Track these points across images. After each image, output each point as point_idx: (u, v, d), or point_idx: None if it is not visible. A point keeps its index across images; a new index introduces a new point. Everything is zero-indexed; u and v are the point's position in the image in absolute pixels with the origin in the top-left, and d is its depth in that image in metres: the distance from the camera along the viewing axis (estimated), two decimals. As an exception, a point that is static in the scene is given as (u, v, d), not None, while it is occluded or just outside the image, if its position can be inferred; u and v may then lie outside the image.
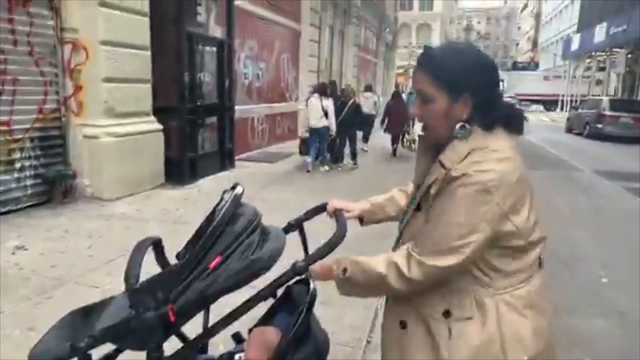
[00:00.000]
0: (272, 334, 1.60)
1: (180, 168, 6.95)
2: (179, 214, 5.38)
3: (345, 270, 1.32)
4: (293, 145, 11.64)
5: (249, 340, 1.64)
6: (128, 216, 5.22)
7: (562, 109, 33.04)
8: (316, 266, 1.39)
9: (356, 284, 1.32)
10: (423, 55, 1.31)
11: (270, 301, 1.64)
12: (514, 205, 1.18)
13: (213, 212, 1.56)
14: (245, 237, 1.35)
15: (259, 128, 10.84)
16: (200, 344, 1.45)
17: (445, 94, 1.24)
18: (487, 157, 1.19)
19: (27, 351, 2.67)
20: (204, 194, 6.44)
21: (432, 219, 1.23)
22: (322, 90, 8.83)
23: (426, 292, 1.26)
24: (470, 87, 1.23)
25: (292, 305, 1.66)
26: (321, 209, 1.67)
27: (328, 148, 9.04)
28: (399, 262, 1.23)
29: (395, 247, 1.40)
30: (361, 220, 1.70)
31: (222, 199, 1.49)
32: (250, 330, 1.75)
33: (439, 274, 1.21)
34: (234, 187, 1.51)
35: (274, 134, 11.69)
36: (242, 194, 1.44)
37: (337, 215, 1.57)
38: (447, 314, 1.24)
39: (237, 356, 1.67)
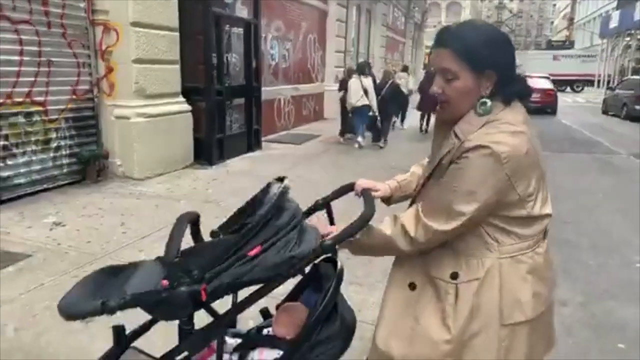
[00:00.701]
0: (299, 311, 1.63)
1: (208, 148, 7.04)
2: (208, 193, 5.48)
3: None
4: (318, 127, 11.65)
5: (276, 316, 1.68)
6: (158, 195, 5.35)
7: (571, 90, 31.96)
8: (325, 227, 1.46)
9: (364, 246, 1.40)
10: (443, 33, 1.31)
11: (297, 278, 1.67)
12: (522, 177, 1.21)
13: (254, 199, 1.60)
14: (286, 232, 1.38)
15: (285, 109, 10.85)
16: (229, 319, 1.48)
17: (469, 71, 1.24)
18: (500, 129, 1.21)
19: (63, 320, 2.79)
20: (232, 174, 6.53)
21: (443, 184, 1.26)
22: (362, 69, 9.00)
23: (436, 254, 1.31)
24: (493, 63, 1.24)
25: (319, 283, 1.69)
26: (348, 188, 1.68)
27: (368, 126, 9.11)
28: (405, 223, 1.29)
29: (410, 204, 1.45)
30: (387, 199, 1.69)
31: (268, 188, 1.52)
32: (278, 307, 1.79)
33: (442, 237, 1.26)
34: (281, 180, 1.54)
35: (299, 115, 11.68)
36: (289, 188, 1.46)
37: (365, 194, 1.58)
38: (454, 275, 1.29)
39: (265, 331, 1.71)
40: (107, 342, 2.55)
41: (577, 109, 20.16)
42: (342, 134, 9.68)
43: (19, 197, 4.99)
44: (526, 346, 1.31)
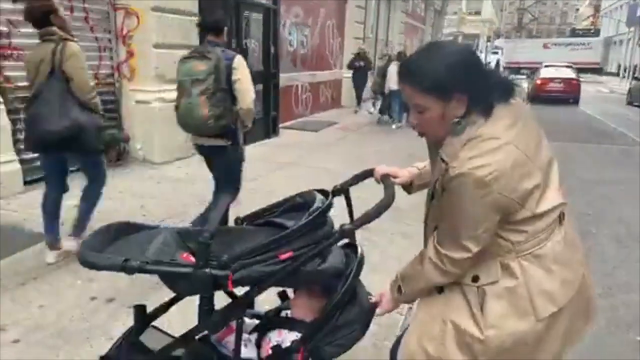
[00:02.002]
0: (318, 295, 1.65)
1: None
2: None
3: (400, 289, 1.45)
4: (336, 114, 11.61)
5: (295, 299, 1.70)
6: (177, 179, 5.41)
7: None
8: (381, 304, 1.52)
9: (414, 294, 1.45)
10: (403, 69, 1.31)
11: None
12: (515, 188, 1.20)
13: (288, 200, 1.64)
14: (319, 246, 1.41)
15: (303, 96, 10.83)
16: (248, 300, 1.50)
17: (437, 101, 1.25)
18: (481, 148, 1.20)
19: (86, 297, 2.86)
20: (249, 160, 6.46)
21: (443, 215, 1.30)
22: (399, 57, 10.25)
23: None
24: (459, 86, 1.24)
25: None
26: (368, 174, 1.67)
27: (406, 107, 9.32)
28: (432, 257, 1.32)
29: (425, 228, 1.46)
30: (408, 187, 1.68)
31: (311, 198, 1.55)
32: (295, 290, 1.81)
33: (468, 262, 1.27)
34: (324, 193, 1.57)
35: (317, 102, 11.65)
36: (332, 205, 1.50)
37: (385, 180, 1.58)
38: (475, 279, 1.30)
39: (283, 313, 1.74)
40: (127, 322, 2.61)
41: (600, 99, 19.69)
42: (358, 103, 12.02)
43: (42, 178, 5.09)
44: (563, 331, 1.32)
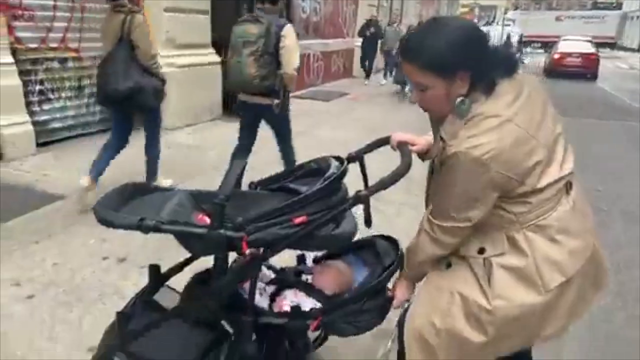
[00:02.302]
0: (346, 272, 1.70)
1: (237, 102, 7.02)
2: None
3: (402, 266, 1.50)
4: (347, 84, 11.47)
5: (322, 269, 1.72)
6: (188, 146, 5.42)
7: None
8: (396, 295, 1.54)
9: (416, 269, 1.48)
10: (405, 46, 1.28)
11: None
12: (516, 165, 1.18)
13: (302, 166, 1.65)
14: (333, 212, 1.41)
15: (314, 65, 10.68)
16: (261, 262, 1.52)
17: (439, 79, 1.22)
18: (481, 127, 1.18)
19: (98, 257, 2.91)
20: (260, 129, 6.53)
21: (439, 189, 1.31)
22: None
23: None
24: (461, 64, 1.21)
25: (372, 254, 1.74)
26: (384, 141, 1.65)
27: None
28: (425, 227, 1.35)
29: (426, 200, 1.48)
30: (424, 155, 1.66)
31: (326, 164, 1.55)
32: (317, 259, 1.83)
33: (462, 232, 1.28)
34: (339, 160, 1.56)
35: (328, 71, 11.49)
36: (347, 171, 1.49)
37: (401, 147, 1.55)
38: (482, 251, 1.30)
39: (304, 276, 1.76)
40: (138, 282, 2.67)
41: (619, 75, 19.19)
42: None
43: (55, 141, 5.14)
44: (571, 301, 1.32)
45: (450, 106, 1.25)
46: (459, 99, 1.23)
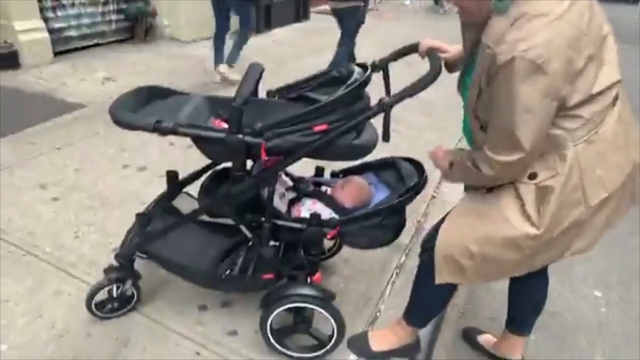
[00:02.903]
0: (366, 189, 1.70)
1: (255, 15, 6.75)
2: (253, 61, 5.37)
3: (451, 164, 1.36)
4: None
5: (344, 184, 1.72)
6: (204, 58, 5.29)
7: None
8: (437, 152, 1.43)
9: (458, 178, 1.38)
10: None
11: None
12: (569, 67, 1.10)
13: (324, 74, 1.59)
14: (354, 120, 1.36)
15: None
16: (279, 169, 1.52)
17: None
18: (530, 28, 1.07)
19: (119, 165, 2.97)
20: (278, 44, 6.34)
21: (493, 113, 1.17)
22: None
23: None
24: None
25: (395, 176, 1.72)
26: (412, 48, 1.55)
27: None
28: (484, 168, 1.23)
29: (465, 116, 1.35)
30: (451, 65, 1.57)
31: (348, 71, 1.48)
32: (334, 173, 1.83)
33: (521, 164, 1.19)
34: (363, 67, 1.49)
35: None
36: (370, 79, 1.42)
37: (430, 54, 1.46)
38: (533, 176, 1.24)
39: (323, 187, 1.77)
40: (158, 189, 2.73)
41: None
42: None
43: (72, 50, 5.07)
44: (607, 215, 1.31)
45: (487, 6, 1.15)
46: None
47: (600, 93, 1.17)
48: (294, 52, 5.83)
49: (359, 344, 1.73)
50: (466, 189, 1.44)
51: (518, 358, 1.79)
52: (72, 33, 5.07)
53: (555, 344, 2.02)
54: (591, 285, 2.37)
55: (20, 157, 2.92)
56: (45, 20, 4.69)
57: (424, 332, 1.78)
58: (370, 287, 2.09)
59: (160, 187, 2.71)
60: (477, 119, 1.27)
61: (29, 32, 4.46)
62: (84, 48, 5.18)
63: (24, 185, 2.63)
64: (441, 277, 1.41)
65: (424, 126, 3.82)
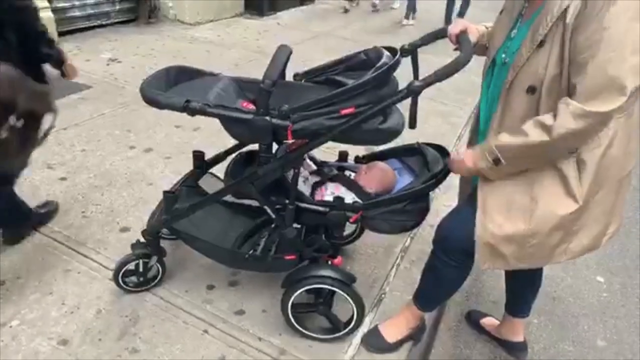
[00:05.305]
0: (390, 174, 1.70)
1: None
2: (258, 44, 5.35)
3: (496, 161, 1.24)
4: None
5: (368, 168, 1.72)
6: (209, 41, 5.27)
7: None
8: (456, 161, 1.38)
9: (514, 167, 1.26)
10: None
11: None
12: None
13: (352, 57, 1.56)
14: (382, 104, 1.34)
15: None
16: (306, 151, 1.51)
17: None
18: None
19: (125, 146, 2.98)
20: (283, 27, 6.29)
21: (586, 57, 1.08)
22: None
23: None
24: None
25: (420, 162, 1.70)
26: (441, 33, 1.53)
27: None
28: (572, 127, 1.11)
29: (503, 88, 1.28)
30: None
31: (378, 54, 1.45)
32: (357, 159, 1.84)
33: (609, 119, 1.12)
34: (392, 51, 1.46)
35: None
36: (400, 63, 1.39)
37: (461, 37, 1.44)
38: (573, 149, 1.21)
39: (347, 172, 1.78)
40: (164, 170, 2.75)
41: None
42: None
43: (76, 31, 5.03)
44: (629, 184, 1.33)
45: None
46: None
47: None
48: (298, 36, 5.78)
49: (374, 341, 1.74)
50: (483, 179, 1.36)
51: (520, 340, 1.83)
52: (76, 13, 5.03)
53: (558, 328, 2.05)
54: (594, 271, 2.40)
55: (27, 137, 2.93)
56: (49, -1, 4.64)
57: (429, 314, 1.80)
58: (375, 270, 2.11)
59: (167, 168, 2.74)
60: (521, 84, 1.21)
61: (34, 11, 4.42)
62: (87, 29, 5.14)
63: (32, 166, 2.62)
64: (482, 264, 1.38)
65: (429, 111, 3.81)
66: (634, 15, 1.03)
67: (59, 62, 1.85)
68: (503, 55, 1.30)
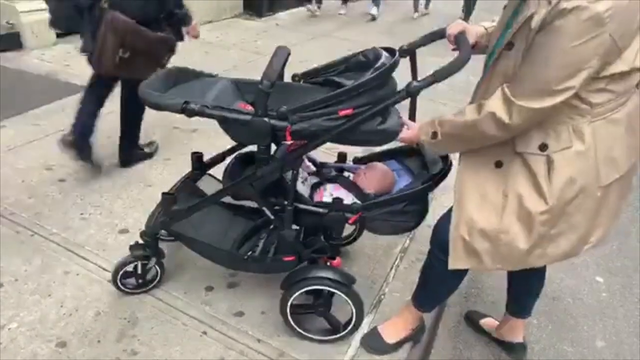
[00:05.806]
0: (389, 175, 1.70)
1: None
2: (257, 44, 5.35)
3: (435, 134, 1.31)
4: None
5: (367, 170, 1.72)
6: (208, 42, 5.26)
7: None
8: (403, 133, 1.41)
9: (449, 144, 1.34)
10: None
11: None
12: (625, 32, 1.07)
13: (350, 58, 1.56)
14: (381, 105, 1.34)
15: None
16: (304, 153, 1.51)
17: None
18: None
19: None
20: (281, 28, 6.30)
21: (535, 58, 1.12)
22: None
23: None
24: None
25: (419, 163, 1.71)
26: (439, 34, 1.53)
27: None
28: (496, 111, 1.17)
29: (478, 89, 1.32)
30: (472, 47, 1.55)
31: (376, 55, 1.45)
32: (356, 160, 1.84)
33: (539, 116, 1.16)
34: (391, 52, 1.46)
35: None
36: (398, 63, 1.40)
37: (459, 38, 1.44)
38: (543, 147, 1.21)
39: (346, 173, 1.78)
40: (163, 172, 2.73)
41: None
42: None
43: (74, 32, 5.02)
44: (615, 199, 1.31)
45: None
46: None
47: (637, 69, 1.14)
48: (297, 37, 5.79)
49: (374, 342, 1.73)
50: (468, 167, 1.38)
51: (520, 340, 1.82)
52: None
53: (557, 328, 2.05)
54: (593, 271, 2.40)
55: (26, 138, 2.93)
56: (47, 0, 4.63)
57: (428, 315, 1.80)
58: (374, 271, 2.11)
59: (165, 169, 2.73)
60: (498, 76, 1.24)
61: (31, 12, 4.41)
62: (86, 30, 5.14)
63: (30, 167, 2.64)
64: (455, 262, 1.38)
65: (427, 112, 3.81)
66: (583, 30, 1.04)
67: (185, 20, 2.57)
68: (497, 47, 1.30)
